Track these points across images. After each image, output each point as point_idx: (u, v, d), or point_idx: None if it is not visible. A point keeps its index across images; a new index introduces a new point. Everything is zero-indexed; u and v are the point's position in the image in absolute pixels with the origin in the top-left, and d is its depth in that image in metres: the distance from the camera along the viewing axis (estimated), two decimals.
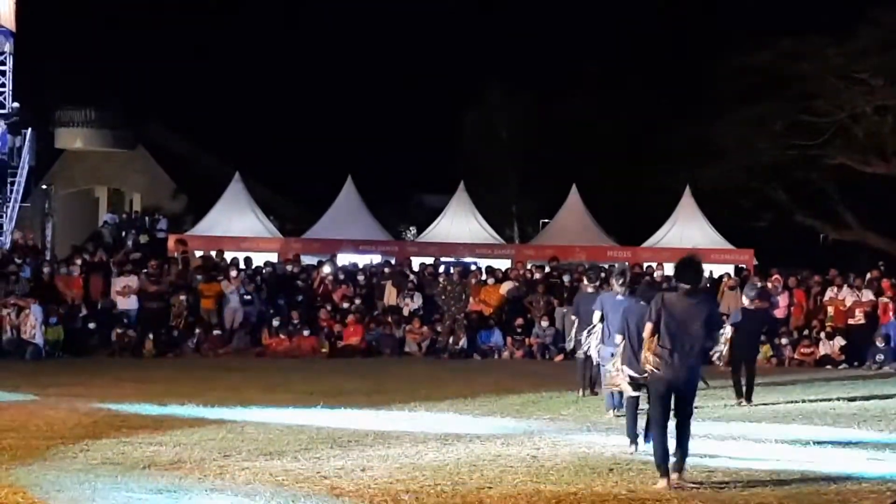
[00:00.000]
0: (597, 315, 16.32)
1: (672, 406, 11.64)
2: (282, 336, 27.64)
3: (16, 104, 34.62)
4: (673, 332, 11.51)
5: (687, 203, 35.86)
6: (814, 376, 24.34)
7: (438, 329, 28.83)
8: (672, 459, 11.50)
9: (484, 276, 30.28)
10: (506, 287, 29.79)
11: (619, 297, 15.83)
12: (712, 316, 11.89)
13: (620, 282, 16.27)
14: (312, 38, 54.62)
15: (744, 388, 18.89)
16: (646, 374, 11.91)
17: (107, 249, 33.14)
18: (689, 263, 11.95)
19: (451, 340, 28.50)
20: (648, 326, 11.67)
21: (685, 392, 11.66)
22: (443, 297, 29.01)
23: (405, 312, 29.28)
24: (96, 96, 46.89)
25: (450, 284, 29.20)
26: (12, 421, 14.88)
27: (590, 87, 47.29)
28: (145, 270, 28.08)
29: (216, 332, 27.59)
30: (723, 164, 40.63)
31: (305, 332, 27.66)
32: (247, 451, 12.96)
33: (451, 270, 30.37)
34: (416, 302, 29.48)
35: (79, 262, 28.87)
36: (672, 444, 11.57)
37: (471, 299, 29.35)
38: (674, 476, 11.41)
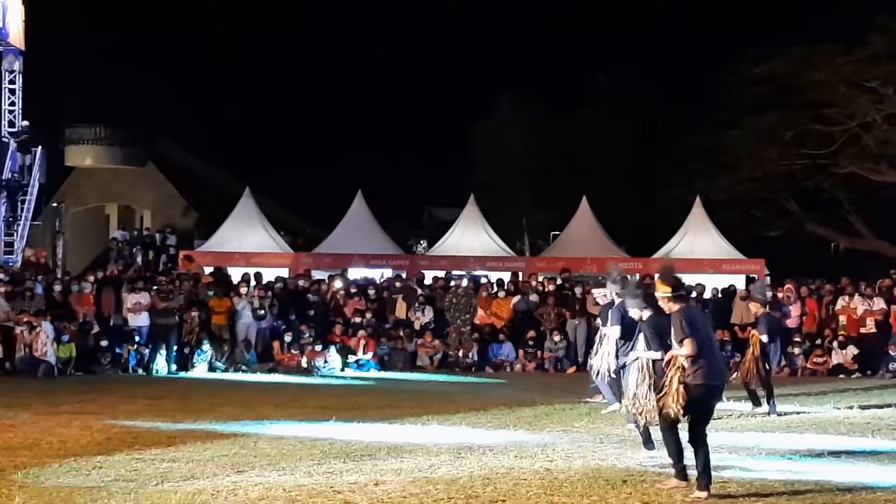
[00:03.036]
0: (617, 329, 16.27)
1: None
2: (294, 351, 27.62)
3: (25, 122, 34.72)
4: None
5: (698, 213, 35.83)
6: (827, 386, 24.28)
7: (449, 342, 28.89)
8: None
9: (495, 289, 30.26)
10: (514, 300, 29.82)
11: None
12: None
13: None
14: (322, 53, 54.75)
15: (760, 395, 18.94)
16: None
17: (118, 266, 33.17)
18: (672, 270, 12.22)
19: (461, 354, 28.53)
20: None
21: None
22: (450, 311, 29.05)
23: (416, 326, 29.28)
24: (106, 114, 47.02)
25: (455, 297, 29.23)
26: (25, 438, 14.90)
27: (599, 99, 47.32)
28: (156, 287, 28.13)
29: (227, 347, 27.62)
30: (733, 174, 40.63)
31: (317, 347, 27.64)
32: (260, 466, 12.95)
33: (454, 283, 30.38)
34: (428, 315, 29.47)
35: (91, 279, 28.92)
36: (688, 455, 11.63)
37: (481, 311, 29.36)
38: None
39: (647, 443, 13.68)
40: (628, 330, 15.85)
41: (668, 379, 11.75)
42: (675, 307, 11.82)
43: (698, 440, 11.57)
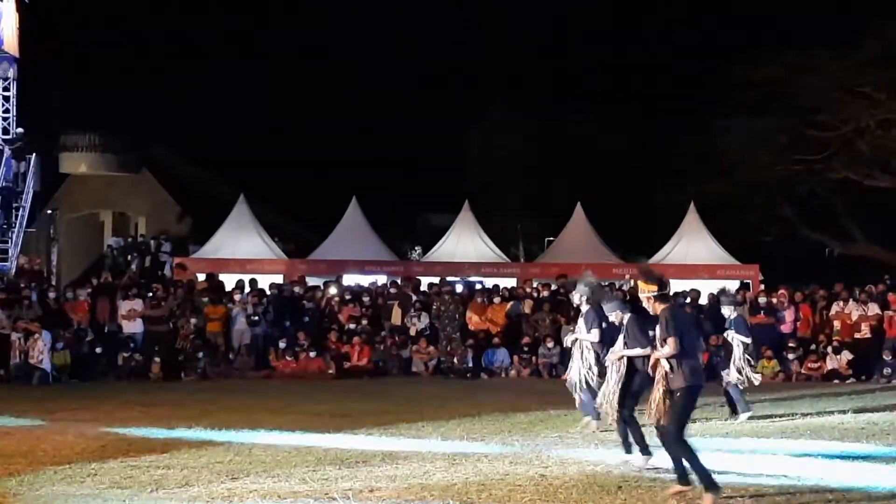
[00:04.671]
0: (597, 333, 16.26)
1: None
2: (288, 358, 27.62)
3: (20, 130, 34.67)
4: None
5: (692, 219, 35.85)
6: (821, 391, 24.29)
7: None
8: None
9: (490, 295, 30.27)
10: (508, 305, 29.85)
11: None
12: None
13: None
14: (315, 59, 54.75)
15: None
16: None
17: (112, 273, 33.15)
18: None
19: (455, 360, 28.53)
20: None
21: None
22: (438, 318, 29.08)
23: (412, 332, 29.28)
24: (100, 121, 46.94)
25: (443, 305, 29.24)
26: (20, 446, 14.89)
27: (593, 104, 47.31)
28: (150, 294, 28.07)
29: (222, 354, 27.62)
30: (727, 180, 40.63)
31: (312, 354, 27.63)
32: (255, 473, 12.95)
33: (443, 290, 30.38)
34: (423, 322, 29.47)
35: (86, 286, 28.91)
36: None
37: (475, 317, 29.36)
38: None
39: (626, 446, 13.71)
40: (606, 334, 15.89)
41: (657, 389, 11.67)
42: (661, 307, 11.76)
43: (681, 444, 11.53)
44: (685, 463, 11.53)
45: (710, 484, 11.31)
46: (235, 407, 20.23)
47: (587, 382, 16.86)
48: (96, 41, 50.08)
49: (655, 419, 11.71)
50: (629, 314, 13.83)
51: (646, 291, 11.90)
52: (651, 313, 12.03)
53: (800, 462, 13.84)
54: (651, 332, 12.73)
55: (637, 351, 13.22)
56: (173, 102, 49.83)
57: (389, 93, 52.98)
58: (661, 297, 11.84)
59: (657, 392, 11.64)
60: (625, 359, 13.57)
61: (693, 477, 11.55)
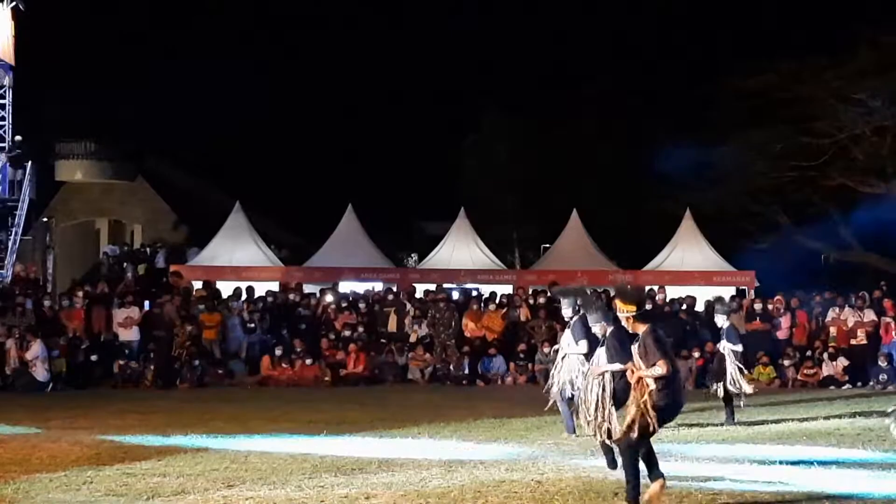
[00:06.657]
0: (584, 345, 16.19)
1: None
2: (284, 365, 27.61)
3: (18, 137, 34.65)
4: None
5: (688, 226, 35.86)
6: (817, 397, 24.31)
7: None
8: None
9: (486, 302, 30.28)
10: (502, 312, 29.90)
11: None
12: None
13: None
14: (311, 67, 54.77)
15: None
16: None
17: (108, 281, 33.13)
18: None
19: (451, 367, 28.52)
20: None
21: None
22: (434, 326, 29.08)
23: (412, 339, 29.29)
24: (96, 128, 46.88)
25: (438, 312, 29.23)
26: (15, 454, 14.87)
27: (589, 112, 47.34)
28: (161, 300, 28.08)
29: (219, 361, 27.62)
30: (723, 187, 40.64)
31: (308, 361, 27.62)
32: (250, 480, 12.94)
33: (438, 297, 30.40)
34: (424, 329, 29.47)
35: (80, 294, 28.90)
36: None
37: (471, 324, 29.36)
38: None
39: (611, 462, 13.55)
40: (592, 345, 15.74)
41: (637, 401, 11.44)
42: (642, 327, 11.54)
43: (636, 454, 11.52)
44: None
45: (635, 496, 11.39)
46: (231, 414, 20.23)
47: (561, 395, 16.78)
48: (92, 48, 50.06)
49: (622, 433, 11.58)
50: (612, 326, 13.58)
51: (624, 311, 11.64)
52: (630, 332, 11.84)
53: (795, 468, 13.85)
54: (632, 347, 12.53)
55: (617, 366, 13.01)
56: (169, 110, 49.81)
57: (385, 100, 53.03)
58: (641, 316, 11.63)
59: (637, 408, 11.42)
60: (608, 374, 13.25)
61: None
